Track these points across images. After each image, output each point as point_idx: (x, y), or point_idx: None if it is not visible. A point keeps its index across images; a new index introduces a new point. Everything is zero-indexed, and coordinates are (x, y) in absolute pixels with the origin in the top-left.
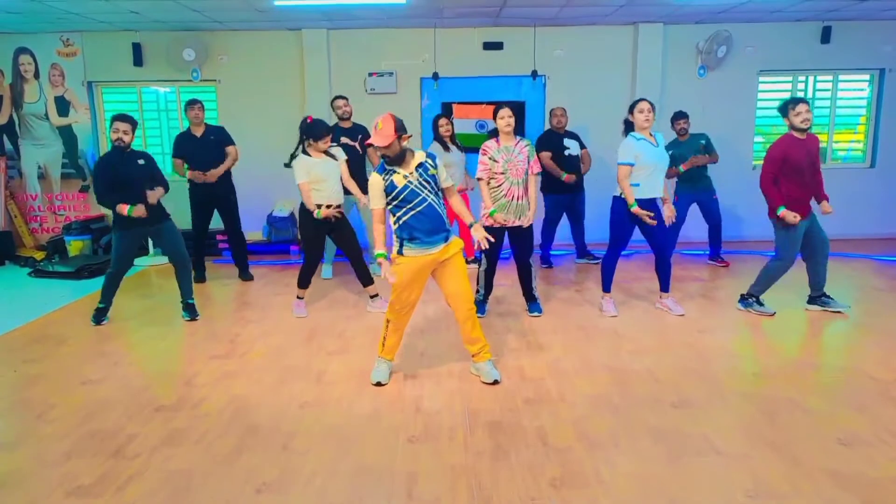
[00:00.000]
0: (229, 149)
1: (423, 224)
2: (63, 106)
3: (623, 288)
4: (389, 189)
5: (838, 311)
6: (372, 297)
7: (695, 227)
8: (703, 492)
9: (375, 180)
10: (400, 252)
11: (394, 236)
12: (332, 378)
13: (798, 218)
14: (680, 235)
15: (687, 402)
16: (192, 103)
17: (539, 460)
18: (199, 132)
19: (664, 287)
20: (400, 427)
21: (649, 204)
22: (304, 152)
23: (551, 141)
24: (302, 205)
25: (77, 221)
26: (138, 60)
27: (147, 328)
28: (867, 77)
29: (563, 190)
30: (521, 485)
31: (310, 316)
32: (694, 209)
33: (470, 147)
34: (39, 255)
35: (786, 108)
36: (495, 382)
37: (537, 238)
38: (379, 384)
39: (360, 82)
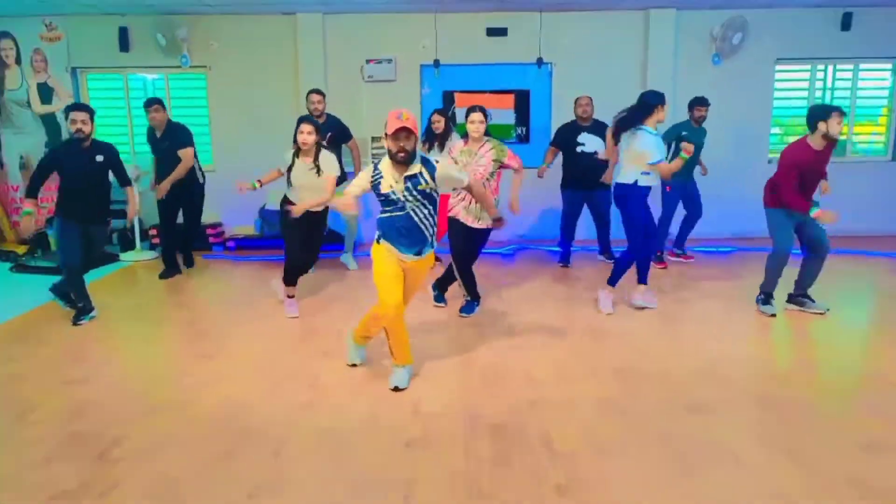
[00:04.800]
0: (182, 152)
1: (394, 234)
2: (46, 93)
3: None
4: (375, 188)
5: (817, 313)
6: (289, 296)
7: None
8: (718, 502)
9: (365, 174)
10: (378, 241)
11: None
12: (327, 380)
13: (835, 216)
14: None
15: (700, 406)
16: (150, 103)
17: (543, 467)
18: (159, 132)
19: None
20: (397, 431)
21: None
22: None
23: (563, 135)
24: (282, 198)
25: None
26: (125, 46)
27: (133, 326)
28: (889, 66)
29: (578, 185)
30: (524, 492)
31: (302, 315)
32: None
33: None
34: (21, 250)
35: (827, 113)
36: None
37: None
38: (397, 389)
39: (356, 70)
